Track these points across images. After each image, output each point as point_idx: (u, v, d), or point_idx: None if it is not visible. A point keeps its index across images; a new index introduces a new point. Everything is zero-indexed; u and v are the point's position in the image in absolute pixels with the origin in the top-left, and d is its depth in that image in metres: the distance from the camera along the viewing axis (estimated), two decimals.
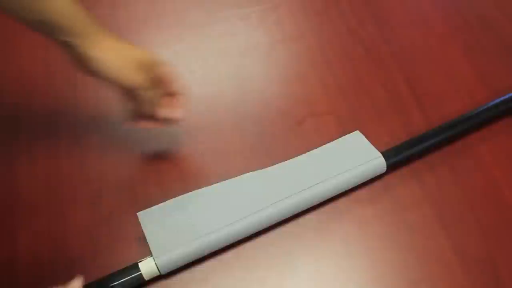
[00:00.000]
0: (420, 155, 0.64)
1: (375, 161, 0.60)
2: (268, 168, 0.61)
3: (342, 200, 0.60)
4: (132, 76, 0.53)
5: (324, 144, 0.64)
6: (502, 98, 0.68)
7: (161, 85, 0.57)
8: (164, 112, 0.58)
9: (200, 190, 0.59)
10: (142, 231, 0.55)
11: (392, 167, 0.62)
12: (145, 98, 0.56)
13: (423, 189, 0.62)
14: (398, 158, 0.62)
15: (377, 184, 0.62)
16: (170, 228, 0.55)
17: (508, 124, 0.68)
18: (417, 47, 0.76)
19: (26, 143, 0.65)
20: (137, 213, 0.56)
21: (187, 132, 0.67)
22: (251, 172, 0.61)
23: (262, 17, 0.79)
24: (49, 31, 0.50)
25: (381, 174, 0.62)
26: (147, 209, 0.57)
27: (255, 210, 0.56)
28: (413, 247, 0.57)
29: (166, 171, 0.63)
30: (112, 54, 0.52)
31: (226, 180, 0.60)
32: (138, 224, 0.56)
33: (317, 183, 0.58)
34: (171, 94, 0.59)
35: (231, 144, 0.66)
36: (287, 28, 0.78)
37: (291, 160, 0.62)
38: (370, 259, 0.57)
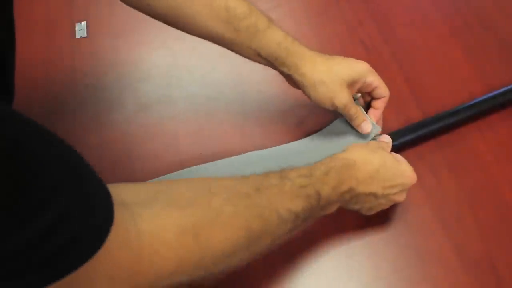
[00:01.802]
0: (420, 140, 0.64)
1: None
2: (271, 148, 0.63)
3: None
4: (339, 98, 0.57)
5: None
6: (500, 90, 0.68)
7: (366, 94, 0.61)
8: (367, 126, 0.60)
9: (207, 164, 0.59)
10: None
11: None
12: (349, 114, 0.59)
13: (423, 189, 0.62)
14: (400, 140, 0.63)
15: None
16: None
17: (507, 119, 0.68)
18: (417, 47, 0.76)
19: None
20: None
21: (187, 133, 0.67)
22: (254, 151, 0.61)
23: None
24: (266, 63, 0.57)
25: None
26: (154, 179, 0.58)
27: None
28: (413, 247, 0.57)
29: (166, 171, 0.63)
30: (323, 78, 0.56)
31: (229, 157, 0.60)
32: None
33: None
34: (374, 99, 0.61)
35: (231, 144, 0.66)
36: (287, 28, 0.78)
37: (290, 143, 0.64)
38: (370, 259, 0.57)
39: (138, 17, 0.80)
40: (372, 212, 0.55)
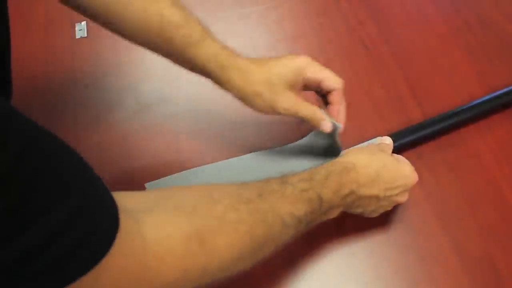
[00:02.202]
0: (420, 141, 0.64)
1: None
2: (273, 148, 0.63)
3: None
4: (280, 103, 0.54)
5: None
6: (500, 91, 0.68)
7: (316, 87, 0.56)
8: (326, 126, 0.55)
9: (207, 165, 0.60)
10: None
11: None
12: (301, 116, 0.55)
13: (423, 189, 0.61)
14: (399, 142, 0.63)
15: None
16: None
17: (506, 120, 0.68)
18: (417, 47, 0.76)
19: None
20: (145, 184, 0.57)
21: (187, 133, 0.67)
22: (256, 152, 0.62)
23: (262, 17, 0.79)
24: (203, 75, 0.55)
25: None
26: (154, 181, 0.58)
27: None
28: (413, 247, 0.57)
29: (166, 171, 0.63)
30: (257, 89, 0.53)
31: (231, 158, 0.60)
32: None
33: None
34: (328, 93, 0.56)
35: (231, 145, 0.66)
36: (287, 28, 0.78)
37: (290, 144, 0.64)
38: (370, 259, 0.57)
39: None
40: (375, 215, 0.55)
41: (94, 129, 0.67)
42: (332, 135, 0.57)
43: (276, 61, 0.55)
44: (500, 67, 0.73)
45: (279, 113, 0.54)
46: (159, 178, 0.62)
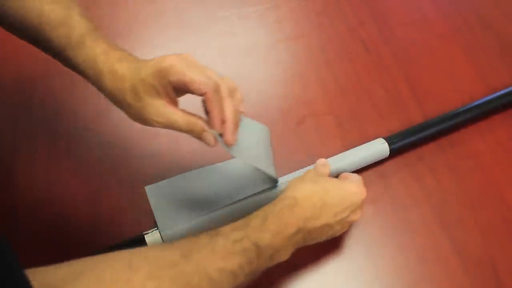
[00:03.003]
0: (421, 142, 0.65)
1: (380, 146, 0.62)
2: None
3: None
4: (147, 115, 0.46)
5: (324, 143, 0.64)
6: (500, 92, 0.68)
7: (187, 92, 0.47)
8: (207, 138, 0.48)
9: (207, 167, 0.60)
10: (150, 208, 0.56)
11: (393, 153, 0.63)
12: (176, 128, 0.48)
13: (423, 189, 0.62)
14: (400, 143, 0.63)
15: (377, 184, 0.62)
16: (176, 203, 0.56)
17: (507, 121, 0.68)
18: (417, 47, 0.76)
19: (26, 143, 0.65)
20: (145, 187, 0.57)
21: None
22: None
23: (262, 17, 0.79)
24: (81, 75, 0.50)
25: (382, 174, 0.62)
26: (154, 184, 0.57)
27: (259, 190, 0.57)
28: (413, 247, 0.57)
29: (166, 171, 0.63)
30: (127, 100, 0.47)
31: (233, 159, 0.60)
32: (137, 219, 0.56)
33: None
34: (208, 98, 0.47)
35: None
36: (287, 28, 0.78)
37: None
38: (370, 259, 0.57)
39: (138, 17, 0.80)
40: (331, 237, 0.53)
41: (94, 129, 0.67)
42: (228, 148, 0.48)
43: (144, 64, 0.46)
44: (500, 67, 0.73)
45: (154, 126, 0.47)
46: (159, 178, 0.62)
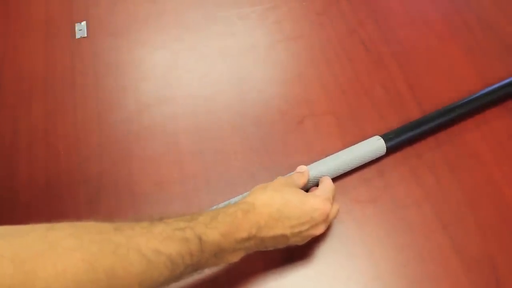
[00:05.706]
0: (417, 138, 0.65)
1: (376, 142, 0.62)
2: None
3: (342, 200, 0.60)
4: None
5: (324, 142, 0.64)
6: (496, 85, 0.68)
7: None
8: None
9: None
10: None
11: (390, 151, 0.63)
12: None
13: (423, 189, 0.62)
14: (396, 140, 0.63)
15: (377, 183, 0.62)
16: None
17: (503, 114, 0.68)
18: (417, 47, 0.76)
19: (26, 143, 0.65)
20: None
21: (187, 132, 0.67)
22: None
23: (262, 17, 0.79)
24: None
25: (381, 173, 0.62)
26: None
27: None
28: (413, 247, 0.57)
29: (166, 171, 0.63)
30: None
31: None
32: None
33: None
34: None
35: (231, 144, 0.66)
36: (287, 28, 0.78)
37: None
38: (370, 259, 0.57)
39: (138, 17, 0.80)
40: (293, 246, 0.52)
41: (94, 129, 0.67)
42: None
43: None
44: (499, 67, 0.73)
45: None
46: (158, 178, 0.62)
